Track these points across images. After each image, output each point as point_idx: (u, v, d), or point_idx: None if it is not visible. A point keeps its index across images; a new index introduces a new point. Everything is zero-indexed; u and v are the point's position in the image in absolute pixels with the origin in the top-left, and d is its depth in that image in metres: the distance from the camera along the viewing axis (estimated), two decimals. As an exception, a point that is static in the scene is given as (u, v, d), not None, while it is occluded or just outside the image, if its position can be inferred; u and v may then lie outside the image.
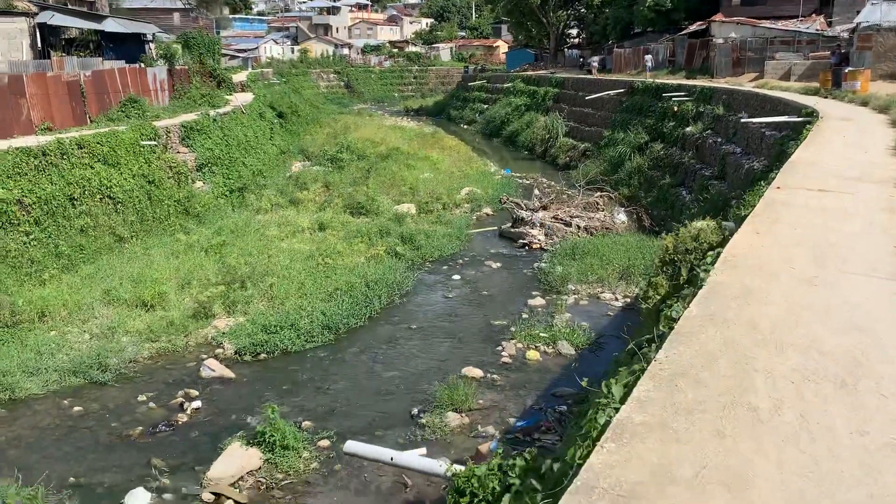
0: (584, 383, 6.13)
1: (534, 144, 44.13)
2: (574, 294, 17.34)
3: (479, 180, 31.47)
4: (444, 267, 19.99)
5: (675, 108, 28.55)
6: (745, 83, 30.15)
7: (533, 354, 13.93)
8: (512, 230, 23.00)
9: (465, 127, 60.92)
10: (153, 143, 21.60)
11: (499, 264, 20.19)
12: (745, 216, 6.78)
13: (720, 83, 31.40)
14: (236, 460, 10.00)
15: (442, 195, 27.02)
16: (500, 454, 7.07)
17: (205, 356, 13.78)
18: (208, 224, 21.68)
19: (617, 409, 3.02)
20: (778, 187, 7.86)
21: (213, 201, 23.16)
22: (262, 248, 19.51)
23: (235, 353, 13.92)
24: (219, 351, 14.03)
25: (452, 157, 37.91)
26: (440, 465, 8.41)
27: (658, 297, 6.80)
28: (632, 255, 18.80)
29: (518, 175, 35.93)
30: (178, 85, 29.45)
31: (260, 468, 10.05)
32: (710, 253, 5.33)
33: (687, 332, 4.02)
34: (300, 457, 10.34)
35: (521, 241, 22.14)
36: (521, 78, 57.59)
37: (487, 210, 26.87)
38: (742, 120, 19.98)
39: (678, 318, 4.11)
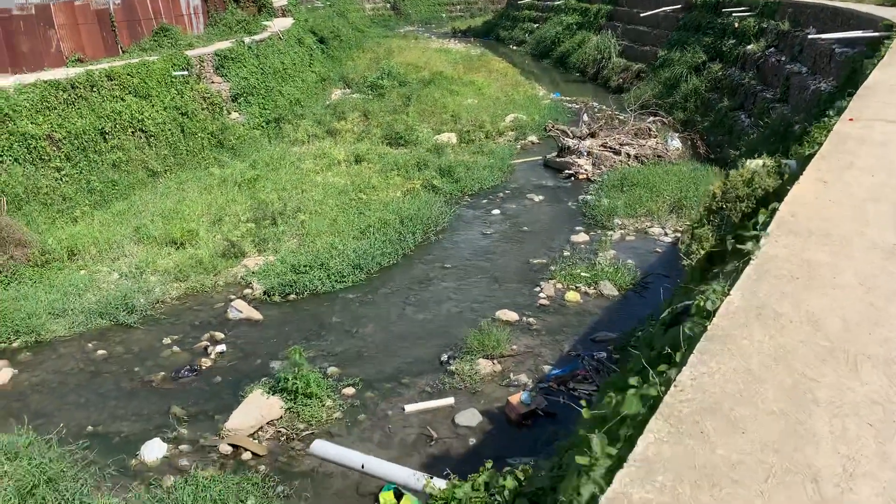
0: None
1: (585, 66, 42.11)
2: (620, 229, 16.37)
3: (525, 106, 30.11)
4: (484, 201, 19.14)
5: (736, 25, 26.46)
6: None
7: (572, 296, 13.16)
8: (557, 160, 21.90)
9: (514, 48, 58.58)
10: (185, 73, 20.97)
11: (541, 197, 19.24)
12: (810, 156, 5.78)
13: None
14: (256, 410, 9.64)
15: (485, 123, 25.89)
16: (488, 470, 6.24)
17: (233, 297, 13.42)
18: (243, 157, 21.17)
19: (608, 478, 2.19)
20: (850, 119, 6.76)
21: (247, 133, 22.59)
22: (297, 183, 18.95)
23: (264, 293, 13.53)
24: (247, 291, 13.65)
25: (499, 82, 36.44)
26: (417, 480, 7.81)
27: (702, 253, 5.93)
28: (684, 186, 17.64)
29: (567, 99, 34.35)
30: (213, 11, 28.56)
31: (281, 417, 9.68)
32: (763, 211, 4.41)
33: (723, 334, 3.10)
34: (323, 405, 9.94)
35: (566, 171, 21.07)
36: (572, -6, 54.66)
37: (533, 138, 25.68)
38: (809, 36, 18.22)
39: (714, 312, 3.25)
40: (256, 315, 12.74)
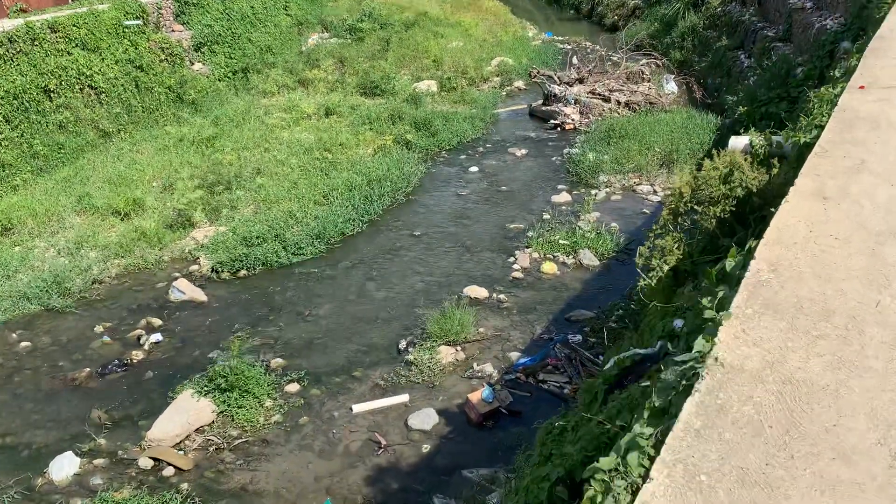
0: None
1: (580, 2, 40.08)
2: (606, 187, 15.07)
3: (513, 48, 28.37)
4: (462, 156, 17.77)
5: (738, -45, 24.53)
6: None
7: (549, 267, 11.96)
8: (543, 108, 20.42)
9: (508, -16, 56.05)
10: (138, 22, 19.34)
11: (524, 151, 17.86)
12: (808, 146, 4.52)
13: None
14: (184, 415, 8.58)
15: (469, 68, 24.30)
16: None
17: (177, 274, 12.25)
18: (205, 112, 19.71)
19: None
20: (861, 86, 5.44)
21: (211, 85, 21.05)
22: (259, 140, 17.58)
23: (212, 269, 12.35)
24: (193, 268, 12.48)
25: (488, 22, 34.45)
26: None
27: (665, 270, 4.74)
28: (677, 137, 16.25)
29: (560, 39, 32.54)
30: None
31: (212, 423, 8.62)
32: (732, 255, 3.13)
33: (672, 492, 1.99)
34: (262, 406, 8.87)
35: (552, 121, 19.62)
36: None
37: (520, 83, 24.09)
38: (817, -32, 16.55)
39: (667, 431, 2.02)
40: (201, 296, 11.59)
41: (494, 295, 11.24)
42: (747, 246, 3.38)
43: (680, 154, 15.56)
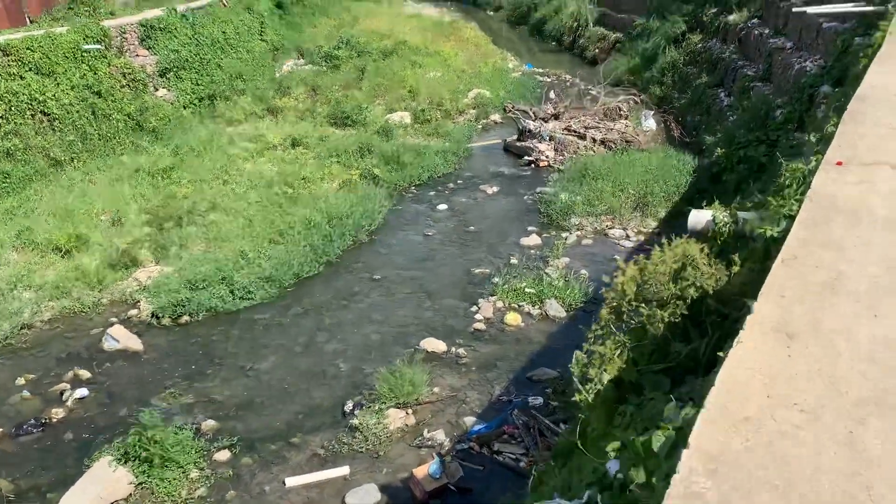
0: None
1: (561, 34, 39.85)
2: (578, 230, 14.41)
3: (492, 80, 27.89)
4: (432, 193, 17.09)
5: (719, -8, 24.27)
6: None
7: (513, 318, 11.23)
8: (518, 143, 19.84)
9: (492, 14, 56.18)
10: (98, 46, 18.60)
11: (496, 188, 17.20)
12: (774, 240, 3.85)
13: (774, -40, 26.72)
14: (98, 486, 7.71)
15: (445, 100, 23.70)
16: None
17: (115, 319, 11.40)
18: (166, 140, 18.92)
19: None
20: (839, 162, 4.75)
21: (174, 112, 20.29)
22: (220, 172, 16.81)
23: (152, 314, 11.50)
24: (133, 312, 11.63)
25: (468, 51, 34.06)
26: None
27: (604, 383, 4.03)
28: (651, 179, 15.66)
29: (540, 71, 32.15)
30: (147, -25, 25.92)
31: (129, 497, 7.75)
32: (659, 439, 2.37)
33: None
34: (186, 477, 8.01)
35: (526, 157, 19.02)
36: (550, -44, 51.94)
37: (496, 117, 23.54)
38: (794, 9, 16.14)
39: None
40: (136, 345, 10.73)
41: (453, 349, 10.48)
42: (682, 413, 2.64)
43: (654, 197, 14.97)
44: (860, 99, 6.34)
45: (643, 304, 4.34)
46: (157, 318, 11.45)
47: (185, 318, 11.47)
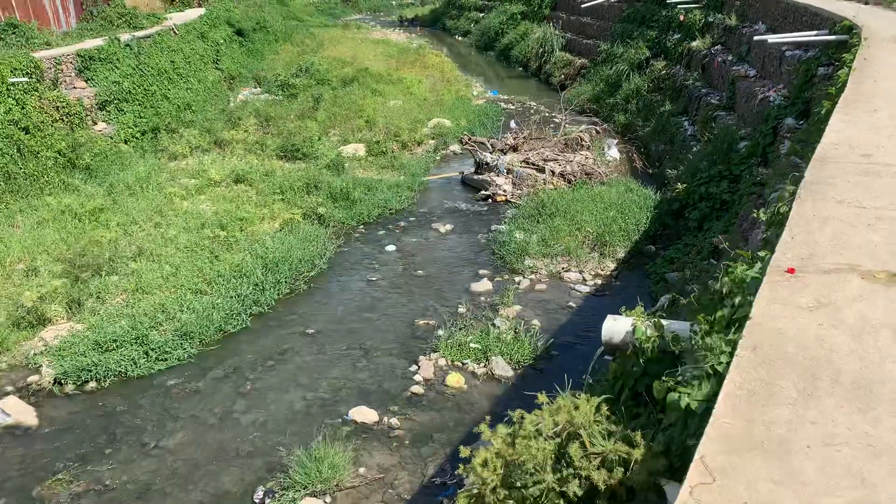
0: None
1: (528, 60, 39.26)
2: (531, 273, 13.45)
3: (454, 108, 27.09)
4: (381, 232, 16.09)
5: (682, 18, 23.74)
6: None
7: (455, 379, 10.19)
8: (475, 177, 18.94)
9: (460, 39, 55.67)
10: (24, 79, 17.47)
11: (449, 227, 16.24)
12: (692, 413, 2.81)
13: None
14: None
15: (402, 130, 22.77)
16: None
17: (11, 388, 10.20)
18: (101, 178, 17.76)
19: None
20: (790, 269, 3.73)
21: (111, 148, 19.13)
22: (154, 213, 15.68)
23: (55, 380, 10.32)
24: (33, 378, 10.42)
25: (433, 78, 33.28)
26: None
27: None
28: (610, 216, 14.77)
29: (505, 98, 31.46)
30: (90, 4, 24.90)
31: None
32: None
33: None
34: (58, 592, 6.84)
35: (482, 192, 18.11)
36: (517, -19, 51.66)
37: (455, 148, 22.66)
38: (755, 38, 15.45)
39: None
40: (30, 418, 9.55)
41: (385, 419, 9.41)
42: None
43: (613, 236, 14.08)
44: (821, 162, 5.33)
45: (509, 492, 3.31)
46: (61, 384, 10.27)
47: (92, 384, 10.30)
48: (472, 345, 10.81)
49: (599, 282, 13.03)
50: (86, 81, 20.25)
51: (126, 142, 20.18)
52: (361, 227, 16.36)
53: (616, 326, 4.08)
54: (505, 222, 15.78)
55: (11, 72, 17.46)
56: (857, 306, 3.52)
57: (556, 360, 10.70)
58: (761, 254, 3.78)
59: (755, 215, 9.61)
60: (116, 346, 10.71)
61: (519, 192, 17.59)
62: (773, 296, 3.53)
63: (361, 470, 8.43)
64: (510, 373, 10.32)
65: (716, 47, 20.12)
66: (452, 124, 24.45)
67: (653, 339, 3.84)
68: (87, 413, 9.74)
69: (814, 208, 4.68)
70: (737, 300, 3.44)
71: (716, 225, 12.88)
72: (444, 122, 24.45)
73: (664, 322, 3.95)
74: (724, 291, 3.65)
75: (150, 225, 15.10)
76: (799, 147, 7.30)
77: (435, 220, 16.67)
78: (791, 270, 3.66)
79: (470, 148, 19.38)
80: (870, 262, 4.08)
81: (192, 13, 32.43)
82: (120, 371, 10.41)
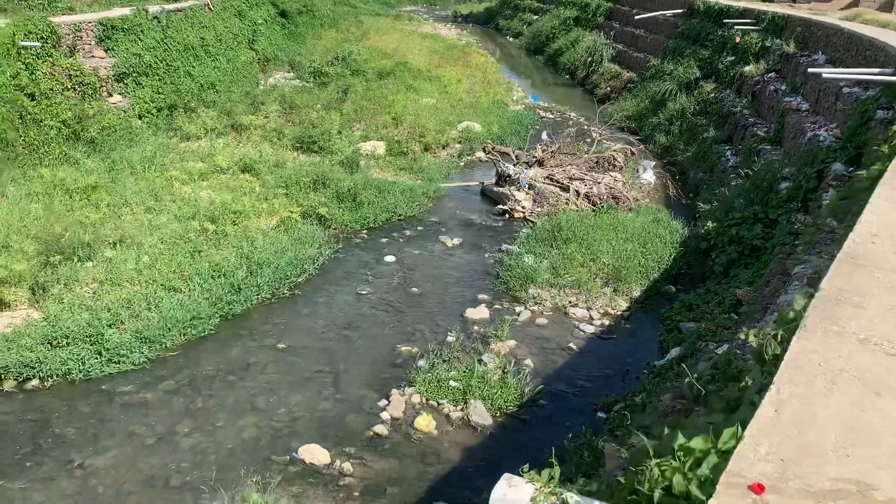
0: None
1: (576, 68, 37.83)
2: (534, 304, 12.29)
3: (488, 112, 25.91)
4: (384, 239, 15.06)
5: (738, 39, 22.23)
6: (832, 12, 23.42)
7: (425, 422, 9.10)
8: (495, 188, 17.80)
9: (511, 40, 54.42)
10: (37, 44, 16.81)
11: (458, 240, 15.15)
12: None
13: (801, 9, 24.67)
14: None
15: (428, 131, 21.71)
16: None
17: (-53, 378, 9.42)
18: (105, 153, 17.05)
19: None
20: (755, 486, 2.24)
21: (121, 122, 18.42)
22: (148, 196, 14.90)
23: (-5, 374, 9.52)
24: (-28, 370, 9.64)
25: (473, 79, 32.21)
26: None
27: None
28: (632, 249, 13.51)
29: (545, 106, 30.17)
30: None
31: None
32: None
33: None
34: None
35: (500, 206, 16.97)
36: (574, -15, 50.15)
37: (481, 154, 21.51)
38: (810, 70, 14.01)
39: None
40: (-45, 417, 8.74)
41: (338, 462, 8.37)
42: None
43: (630, 272, 12.82)
44: (849, 263, 3.83)
45: None
46: (1, 379, 9.46)
47: (35, 382, 9.47)
48: (451, 383, 9.70)
49: (607, 322, 11.81)
50: (106, 51, 19.58)
51: (140, 117, 19.48)
52: (364, 231, 15.36)
53: (511, 496, 2.96)
54: (516, 242, 14.61)
55: (25, 35, 16.83)
56: None
57: (544, 410, 9.56)
58: (723, 440, 2.54)
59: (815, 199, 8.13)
60: (67, 343, 9.86)
61: (538, 209, 16.41)
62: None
63: (298, 522, 7.41)
64: (489, 421, 9.20)
65: (769, 74, 18.64)
66: (483, 129, 23.32)
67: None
68: (20, 416, 8.90)
69: (823, 349, 3.13)
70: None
71: (743, 273, 11.57)
72: (475, 127, 23.33)
73: (573, 501, 2.82)
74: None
75: (142, 209, 14.30)
76: (840, 207, 6.05)
77: (444, 231, 15.59)
78: (758, 488, 2.31)
79: (493, 157, 18.26)
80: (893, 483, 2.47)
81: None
82: (65, 372, 9.54)
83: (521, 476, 3.08)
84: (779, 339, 3.06)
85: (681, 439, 2.54)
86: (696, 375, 5.03)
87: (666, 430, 3.04)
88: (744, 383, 3.02)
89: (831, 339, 3.25)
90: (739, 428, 2.42)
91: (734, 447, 2.32)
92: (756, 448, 2.33)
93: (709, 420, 2.92)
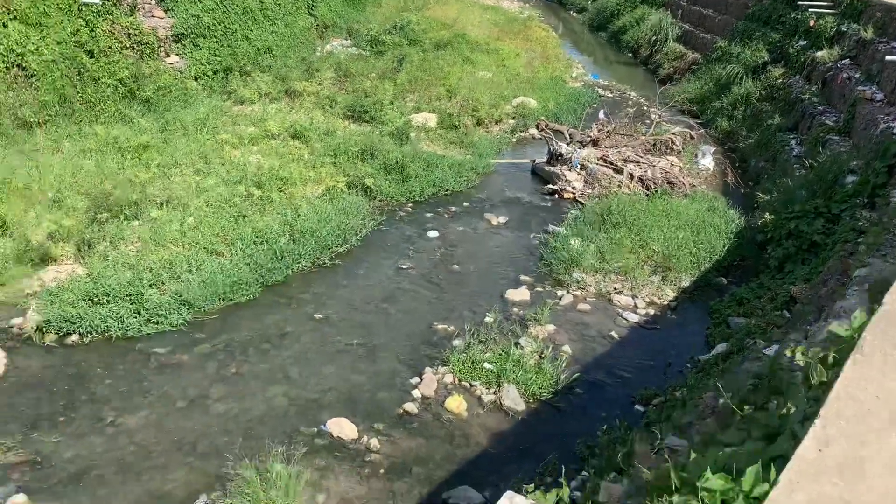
0: None
1: (639, 46, 36.76)
2: (577, 289, 11.95)
3: (545, 88, 25.35)
4: (429, 214, 14.86)
5: (812, 23, 21.15)
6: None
7: (455, 403, 8.93)
8: (546, 167, 17.40)
9: (575, 15, 53.17)
10: (97, 1, 16.96)
11: (504, 219, 14.85)
12: None
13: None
14: None
15: (482, 105, 21.33)
16: None
17: (-8, 329, 9.62)
18: (160, 113, 17.20)
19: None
20: None
21: (177, 83, 18.55)
22: (198, 158, 14.97)
23: (38, 328, 9.66)
24: (16, 321, 9.81)
25: (533, 53, 31.58)
26: None
27: None
28: (684, 237, 13.03)
29: (605, 84, 29.41)
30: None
31: None
32: None
33: None
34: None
35: (549, 185, 16.58)
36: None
37: (534, 131, 21.04)
38: (888, 58, 13.19)
39: None
40: (-3, 366, 8.92)
41: (366, 437, 8.27)
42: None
43: (680, 261, 12.36)
44: (877, 333, 2.91)
45: None
46: (43, 332, 9.61)
47: (74, 337, 9.61)
48: (486, 365, 9.50)
49: (653, 312, 11.42)
50: (165, 11, 19.67)
51: (196, 79, 19.60)
52: (410, 205, 15.18)
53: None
54: (563, 224, 14.25)
55: (87, -8, 16.98)
56: None
57: (579, 399, 9.29)
58: (748, 481, 2.19)
59: (844, 273, 7.90)
60: (108, 300, 9.96)
61: (589, 191, 15.97)
62: None
63: (320, 498, 7.34)
64: (521, 406, 8.98)
65: (843, 61, 17.68)
66: (539, 105, 22.82)
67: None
68: (59, 370, 9.03)
69: (882, 379, 2.60)
70: None
71: (799, 269, 11.02)
72: (530, 102, 22.84)
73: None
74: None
75: (191, 171, 14.38)
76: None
77: (490, 209, 15.31)
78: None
79: (545, 135, 17.82)
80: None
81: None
82: (104, 329, 9.64)
83: (525, 497, 2.85)
84: (829, 362, 2.70)
85: (707, 476, 2.24)
86: (737, 379, 4.70)
87: (695, 446, 2.75)
88: (785, 409, 2.70)
89: (892, 367, 2.74)
90: (774, 470, 2.12)
91: (766, 492, 2.02)
92: (792, 495, 1.99)
93: (742, 448, 2.62)
